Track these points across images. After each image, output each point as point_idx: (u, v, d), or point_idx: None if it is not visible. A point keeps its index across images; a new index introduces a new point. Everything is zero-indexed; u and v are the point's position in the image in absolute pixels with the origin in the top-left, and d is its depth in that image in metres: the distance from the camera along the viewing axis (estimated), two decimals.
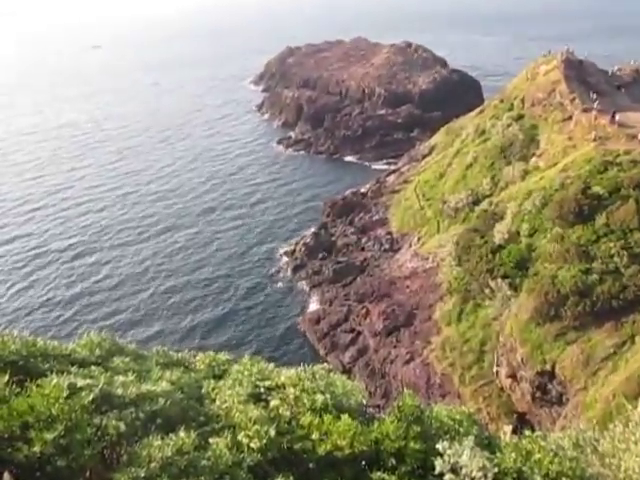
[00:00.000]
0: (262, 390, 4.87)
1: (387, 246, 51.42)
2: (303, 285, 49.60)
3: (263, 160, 79.08)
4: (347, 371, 36.20)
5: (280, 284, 50.22)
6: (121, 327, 41.09)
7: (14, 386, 4.18)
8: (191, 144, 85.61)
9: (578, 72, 48.94)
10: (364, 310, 42.09)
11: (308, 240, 54.62)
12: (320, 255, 52.74)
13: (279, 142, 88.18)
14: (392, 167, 69.17)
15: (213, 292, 48.34)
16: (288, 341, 42.02)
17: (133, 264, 52.55)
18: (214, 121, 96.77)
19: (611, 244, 28.27)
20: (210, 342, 39.25)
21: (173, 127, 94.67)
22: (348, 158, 79.27)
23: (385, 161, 75.82)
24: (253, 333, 42.88)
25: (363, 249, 52.39)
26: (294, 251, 54.38)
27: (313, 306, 46.52)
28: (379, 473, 4.35)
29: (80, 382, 4.14)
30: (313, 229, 57.15)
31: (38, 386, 4.11)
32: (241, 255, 54.59)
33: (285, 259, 53.94)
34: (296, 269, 51.97)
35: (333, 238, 55.48)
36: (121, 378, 4.46)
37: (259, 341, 41.90)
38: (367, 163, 76.65)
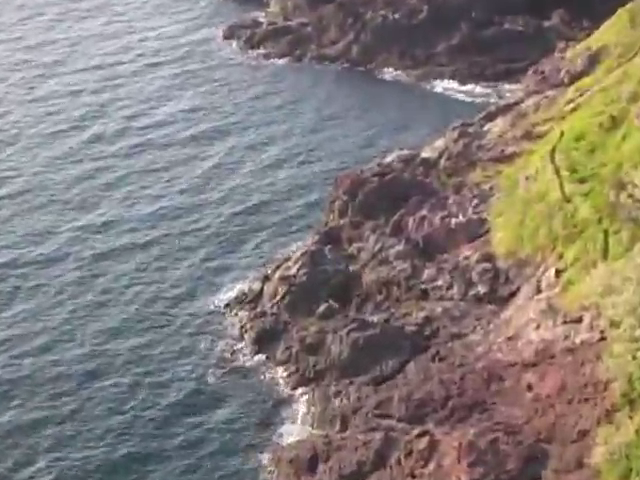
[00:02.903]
0: None
1: (483, 289, 53.30)
2: (277, 376, 52.23)
3: (197, 80, 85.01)
4: None
5: (225, 374, 52.74)
6: None
7: None
8: (37, 46, 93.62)
9: None
10: (425, 441, 43.03)
11: (294, 269, 56.47)
12: (322, 306, 54.86)
13: (229, 35, 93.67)
14: (498, 100, 73.93)
15: (88, 394, 51.32)
16: None
17: None
18: None
19: None
20: None
21: None
22: (393, 74, 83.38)
23: (481, 85, 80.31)
24: None
25: (425, 294, 54.22)
26: (260, 294, 56.69)
27: (300, 428, 48.71)
28: None
29: None
30: (306, 242, 59.33)
31: None
32: (149, 306, 58.05)
33: (239, 315, 56.79)
34: (263, 339, 54.23)
35: (353, 267, 56.97)
36: None
37: None
38: (438, 87, 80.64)
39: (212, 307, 58.50)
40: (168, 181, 73.49)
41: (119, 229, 68.33)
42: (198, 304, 58.79)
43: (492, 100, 75.07)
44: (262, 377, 53.19)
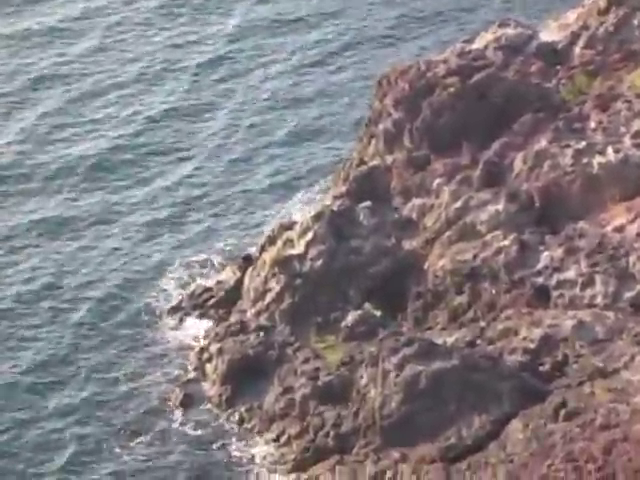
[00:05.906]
0: None
1: None
2: (266, 447, 42.17)
3: None
4: None
5: (165, 441, 42.57)
6: None
7: None
8: None
9: None
10: None
11: (301, 246, 47.91)
12: (351, 315, 46.34)
13: None
14: None
15: None
16: None
17: None
18: None
19: None
20: None
21: None
22: None
23: None
24: None
25: (544, 294, 45.80)
26: (236, 290, 48.86)
27: None
28: None
29: None
30: (322, 195, 53.87)
31: None
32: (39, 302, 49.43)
33: (196, 328, 47.32)
34: (241, 375, 44.92)
35: (409, 242, 48.75)
36: None
37: None
38: None
39: (145, 310, 46.90)
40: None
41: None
42: (122, 303, 47.34)
43: None
44: (237, 448, 40.74)
